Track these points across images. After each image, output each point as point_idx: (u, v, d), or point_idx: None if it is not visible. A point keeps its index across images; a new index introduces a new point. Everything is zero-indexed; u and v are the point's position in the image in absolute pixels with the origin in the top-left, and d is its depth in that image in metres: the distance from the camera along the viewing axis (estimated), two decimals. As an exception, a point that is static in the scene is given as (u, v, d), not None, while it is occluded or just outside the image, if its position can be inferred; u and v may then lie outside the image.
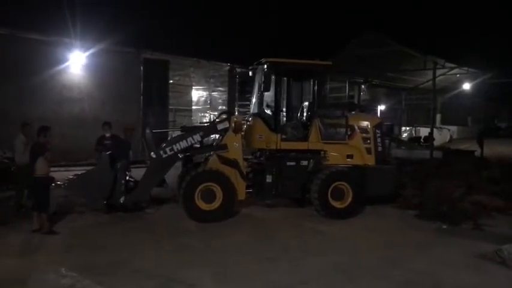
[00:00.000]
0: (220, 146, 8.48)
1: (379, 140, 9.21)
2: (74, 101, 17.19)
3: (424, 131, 25.96)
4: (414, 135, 27.96)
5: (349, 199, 8.61)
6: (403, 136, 28.31)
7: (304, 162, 8.78)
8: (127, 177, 8.28)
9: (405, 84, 26.72)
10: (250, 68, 9.44)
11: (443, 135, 29.57)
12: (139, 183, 8.21)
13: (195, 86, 24.57)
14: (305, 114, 9.31)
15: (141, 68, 19.41)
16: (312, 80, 9.06)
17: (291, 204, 9.50)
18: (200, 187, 8.02)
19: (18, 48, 15.30)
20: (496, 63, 26.77)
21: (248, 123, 9.09)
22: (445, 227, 8.06)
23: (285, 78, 9.32)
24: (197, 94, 25.25)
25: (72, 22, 16.90)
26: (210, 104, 23.97)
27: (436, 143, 26.08)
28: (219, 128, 8.51)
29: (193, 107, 25.00)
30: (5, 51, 14.97)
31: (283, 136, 8.85)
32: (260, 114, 8.91)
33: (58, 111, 16.49)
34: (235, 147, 8.44)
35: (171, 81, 20.90)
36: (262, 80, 8.56)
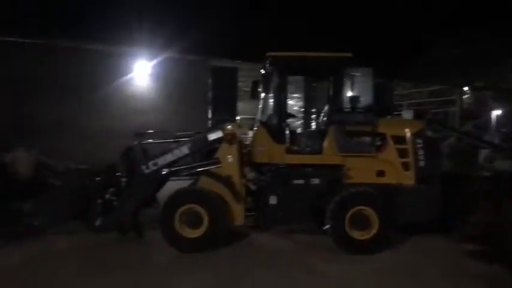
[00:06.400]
0: (212, 160, 7.10)
1: (421, 152, 7.08)
2: (138, 112, 16.93)
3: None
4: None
5: (375, 228, 6.67)
6: (520, 146, 24.03)
7: (316, 180, 7.02)
8: (107, 196, 7.25)
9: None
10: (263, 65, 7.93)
11: None
12: (118, 203, 7.16)
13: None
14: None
15: (209, 76, 18.68)
16: (327, 78, 7.30)
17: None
18: (181, 209, 6.72)
19: (81, 60, 15.40)
20: None
21: (253, 132, 7.61)
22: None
23: (301, 77, 7.61)
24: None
25: (138, 31, 16.72)
26: (286, 112, 22.62)
27: None
28: (209, 139, 7.13)
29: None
30: (68, 63, 15.12)
31: (295, 148, 7.23)
32: (265, 122, 7.36)
33: (122, 123, 16.34)
34: (228, 161, 7.00)
35: (241, 89, 19.94)
36: (262, 79, 7.06)
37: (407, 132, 7.14)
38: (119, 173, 7.67)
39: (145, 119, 16.67)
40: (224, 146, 7.04)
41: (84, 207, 6.90)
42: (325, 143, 7.05)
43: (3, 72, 13.10)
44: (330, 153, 7.02)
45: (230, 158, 7.01)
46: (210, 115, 18.68)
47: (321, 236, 7.24)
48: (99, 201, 7.04)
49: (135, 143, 7.69)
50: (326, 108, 7.56)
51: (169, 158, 7.04)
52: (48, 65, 14.00)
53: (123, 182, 7.65)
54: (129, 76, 16.82)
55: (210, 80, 18.68)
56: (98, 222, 6.97)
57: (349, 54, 6.97)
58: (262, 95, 7.54)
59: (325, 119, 7.36)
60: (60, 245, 7.00)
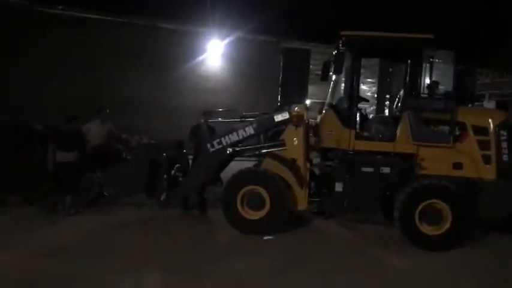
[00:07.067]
0: (277, 142, 6.94)
1: (504, 145, 6.47)
2: (210, 91, 17.05)
3: None
4: None
5: (448, 224, 6.22)
6: None
7: (386, 169, 6.63)
8: (173, 171, 7.32)
9: None
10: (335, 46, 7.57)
11: None
12: (183, 180, 7.21)
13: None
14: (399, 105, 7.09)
15: (281, 57, 18.44)
16: (404, 61, 6.82)
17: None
18: (244, 190, 6.64)
19: (155, 38, 15.71)
20: None
21: (321, 115, 7.32)
22: None
23: (376, 60, 7.19)
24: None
25: (212, 10, 16.76)
26: (358, 97, 21.81)
27: None
28: (276, 120, 6.93)
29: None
30: (144, 41, 15.49)
31: (365, 133, 6.89)
32: (335, 105, 7.06)
33: (194, 102, 16.54)
34: (294, 144, 6.80)
35: (313, 72, 19.53)
36: (333, 59, 6.74)
37: (490, 123, 6.54)
38: (186, 150, 7.75)
39: (217, 98, 16.79)
40: (290, 128, 6.84)
41: (151, 181, 7.02)
42: (399, 130, 6.62)
43: (80, 49, 13.69)
44: (403, 141, 6.58)
45: (296, 141, 6.80)
46: (279, 96, 18.52)
47: (388, 227, 6.90)
48: (165, 176, 7.13)
49: (202, 121, 7.72)
50: (401, 93, 7.11)
51: (234, 137, 6.94)
52: (123, 42, 14.44)
53: (190, 158, 7.75)
54: (202, 56, 16.97)
55: (281, 62, 18.49)
56: (162, 197, 7.09)
57: (429, 36, 6.44)
58: (334, 76, 7.22)
59: (399, 104, 6.93)
60: (127, 218, 7.20)
